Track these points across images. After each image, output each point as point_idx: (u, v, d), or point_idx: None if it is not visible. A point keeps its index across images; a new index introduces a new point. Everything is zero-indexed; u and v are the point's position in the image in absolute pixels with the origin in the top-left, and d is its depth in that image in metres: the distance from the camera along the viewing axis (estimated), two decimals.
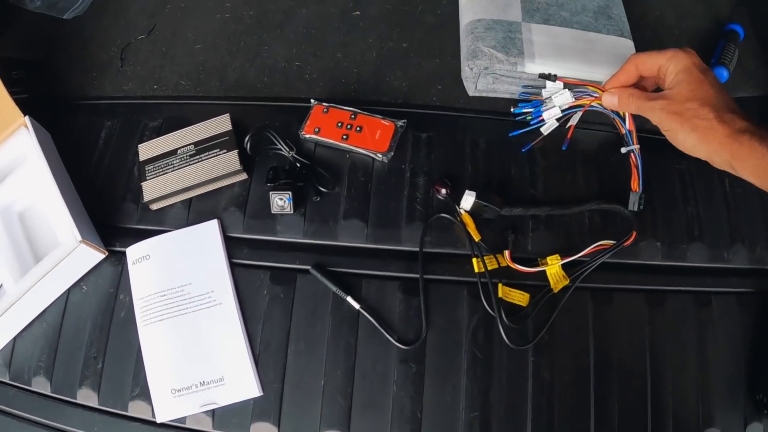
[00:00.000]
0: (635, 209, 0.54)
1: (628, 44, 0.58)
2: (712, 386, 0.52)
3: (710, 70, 0.49)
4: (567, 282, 0.51)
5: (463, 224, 0.53)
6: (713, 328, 0.53)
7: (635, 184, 0.55)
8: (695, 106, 0.46)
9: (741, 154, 0.45)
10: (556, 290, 0.51)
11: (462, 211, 0.53)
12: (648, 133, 0.59)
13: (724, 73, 0.64)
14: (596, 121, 0.60)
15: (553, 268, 0.51)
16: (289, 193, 0.52)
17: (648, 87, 0.53)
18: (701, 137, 0.46)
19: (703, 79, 0.48)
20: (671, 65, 0.49)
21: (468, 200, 0.52)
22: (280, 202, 0.52)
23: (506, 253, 0.51)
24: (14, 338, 0.54)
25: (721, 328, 0.53)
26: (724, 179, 0.59)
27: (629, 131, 0.54)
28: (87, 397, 0.51)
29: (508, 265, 0.52)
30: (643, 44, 0.65)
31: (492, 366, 0.50)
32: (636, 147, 0.54)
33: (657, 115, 0.49)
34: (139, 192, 0.56)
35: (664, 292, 0.54)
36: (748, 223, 0.58)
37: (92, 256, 0.53)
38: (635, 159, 0.55)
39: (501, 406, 0.49)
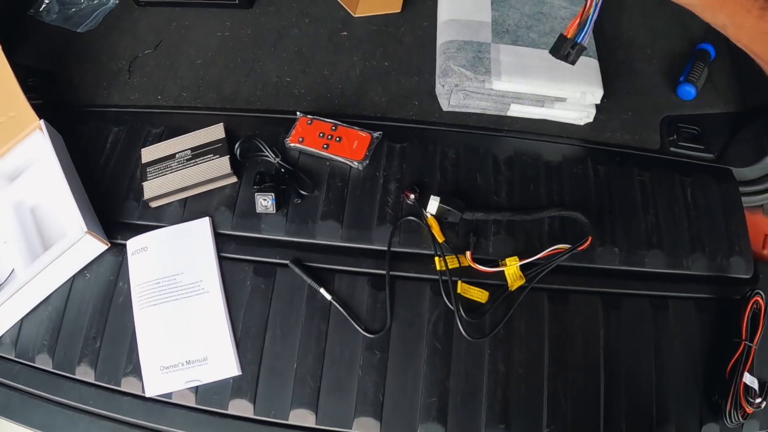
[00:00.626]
0: (564, 57, 0.52)
1: (592, 63, 0.65)
2: (667, 386, 0.57)
3: None
4: (523, 282, 0.57)
5: (429, 227, 0.59)
6: (670, 331, 0.58)
7: (571, 29, 0.50)
8: None
9: (737, 21, 0.48)
10: (512, 288, 0.57)
11: (428, 215, 0.60)
12: (612, 146, 0.66)
13: (691, 90, 0.70)
14: (562, 134, 0.67)
15: (511, 268, 0.58)
16: (273, 194, 0.59)
17: None
18: None
19: None
20: None
21: (433, 204, 0.59)
22: (264, 203, 0.60)
23: (467, 253, 0.58)
24: (21, 320, 0.61)
25: (678, 331, 0.58)
26: (687, 190, 0.65)
27: None
28: (84, 373, 0.58)
29: (469, 265, 0.58)
30: (614, 64, 0.72)
31: (450, 357, 0.56)
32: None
33: None
34: (140, 191, 0.63)
35: (621, 295, 0.59)
36: (709, 233, 0.63)
37: (96, 246, 0.61)
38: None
39: (458, 394, 0.55)
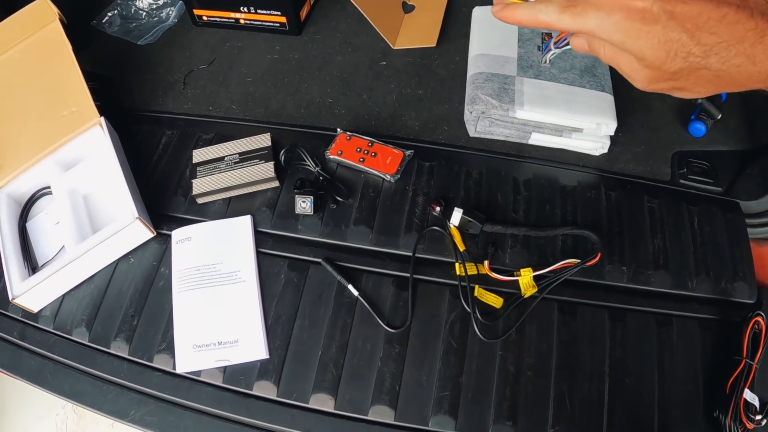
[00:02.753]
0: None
1: (608, 98, 0.78)
2: (668, 398, 0.65)
3: None
4: (535, 290, 0.68)
5: (451, 236, 0.72)
6: (673, 347, 0.67)
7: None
8: None
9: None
10: (525, 296, 0.68)
11: (451, 226, 0.72)
12: (624, 176, 0.79)
13: (701, 128, 0.82)
14: (578, 163, 0.80)
15: (525, 278, 0.69)
16: (311, 197, 0.72)
17: None
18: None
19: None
20: None
21: (456, 216, 0.71)
22: (303, 204, 0.73)
23: (486, 262, 0.69)
24: (63, 295, 0.73)
25: (681, 347, 0.67)
26: (694, 218, 0.76)
27: None
28: (119, 348, 0.69)
29: (486, 273, 0.69)
30: (630, 101, 0.85)
31: (464, 355, 0.66)
32: None
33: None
34: (188, 188, 0.77)
35: (627, 310, 0.69)
36: (715, 258, 0.73)
37: (143, 232, 0.74)
38: None
39: (469, 390, 0.64)
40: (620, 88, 0.85)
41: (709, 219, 0.77)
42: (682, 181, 0.80)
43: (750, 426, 0.63)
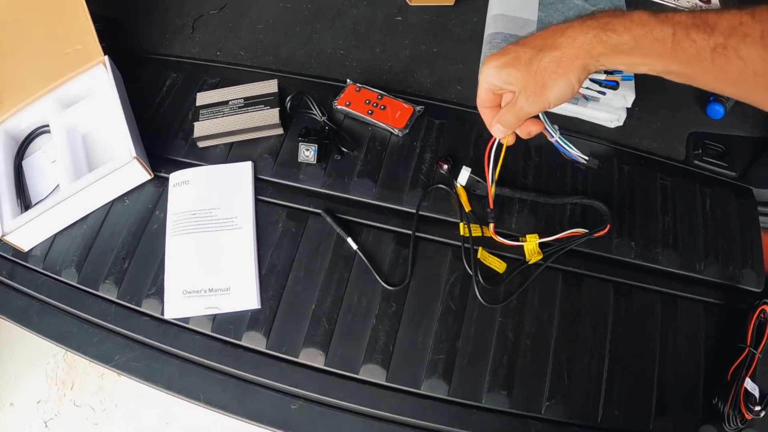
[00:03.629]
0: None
1: None
2: (668, 380, 0.62)
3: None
4: (540, 257, 0.64)
5: (458, 195, 0.68)
6: (676, 328, 0.64)
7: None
8: (514, 69, 0.50)
9: (590, 67, 0.47)
10: (531, 262, 0.65)
11: (458, 185, 0.69)
12: (639, 151, 0.75)
13: (719, 110, 0.78)
14: (593, 134, 0.76)
15: (531, 244, 0.65)
16: (316, 146, 0.68)
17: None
18: (556, 65, 0.48)
19: (515, 54, 0.51)
20: (484, 84, 0.54)
21: (464, 174, 0.67)
22: (307, 152, 0.69)
23: (491, 225, 0.66)
24: (55, 235, 0.70)
25: (684, 329, 0.64)
26: (706, 200, 0.72)
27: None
28: (108, 290, 0.66)
29: (491, 236, 0.66)
30: (649, 78, 0.81)
31: (463, 318, 0.63)
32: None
33: (522, 102, 0.51)
34: (190, 132, 0.73)
35: (633, 286, 0.66)
36: (724, 243, 0.70)
37: (140, 173, 0.70)
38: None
39: (465, 355, 0.61)
40: None
41: (722, 203, 0.73)
42: (696, 162, 0.77)
43: (749, 416, 0.60)
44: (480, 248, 0.65)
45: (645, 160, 0.75)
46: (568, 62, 0.48)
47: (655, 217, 0.70)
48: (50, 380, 1.28)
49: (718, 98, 0.79)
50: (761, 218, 0.75)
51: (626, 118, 0.76)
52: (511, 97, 0.53)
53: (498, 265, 0.65)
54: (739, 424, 0.61)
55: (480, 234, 0.66)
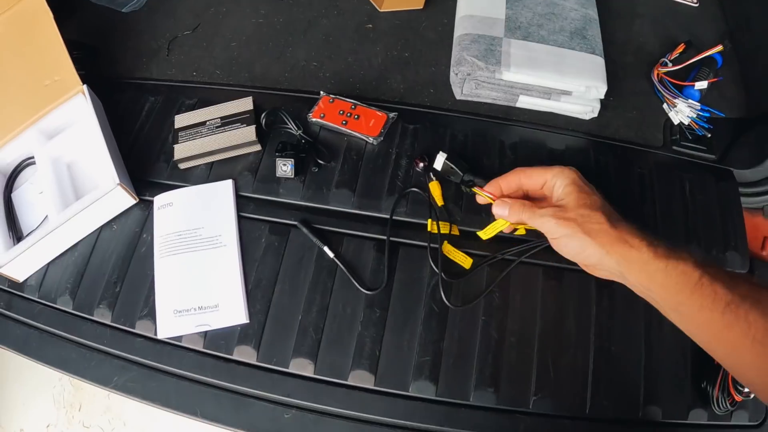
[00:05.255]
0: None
1: (598, 60, 0.76)
2: (656, 368, 0.64)
3: (593, 187, 0.60)
4: (524, 233, 0.67)
5: (430, 192, 0.70)
6: (660, 316, 0.62)
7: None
8: (588, 212, 0.56)
9: (630, 256, 0.53)
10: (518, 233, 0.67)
11: (432, 180, 0.71)
12: (615, 141, 0.77)
13: (695, 93, 0.79)
14: (567, 127, 0.78)
15: (501, 222, 0.65)
16: (292, 160, 0.71)
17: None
18: (594, 240, 0.54)
19: (591, 191, 0.58)
20: (558, 180, 0.59)
21: (439, 160, 0.70)
22: (284, 167, 0.71)
23: (475, 190, 0.66)
24: (48, 264, 0.73)
25: None
26: (685, 185, 0.74)
27: None
28: (102, 315, 0.68)
29: (459, 235, 0.69)
30: (623, 67, 0.83)
31: (446, 320, 0.65)
32: None
33: (549, 223, 0.57)
34: (171, 154, 0.75)
35: None
36: (706, 227, 0.72)
37: (125, 199, 0.73)
38: None
39: (450, 355, 0.64)
40: (612, 53, 0.83)
41: (702, 187, 0.75)
42: (674, 147, 0.78)
43: (738, 398, 0.62)
44: (445, 242, 0.68)
45: (621, 149, 0.77)
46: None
47: (634, 207, 0.72)
48: (58, 404, 1.32)
49: (694, 80, 0.80)
50: (743, 199, 0.76)
51: (602, 109, 0.78)
52: (554, 224, 0.57)
53: (463, 260, 0.68)
54: (729, 407, 0.63)
55: (448, 231, 0.69)
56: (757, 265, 0.72)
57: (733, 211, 0.74)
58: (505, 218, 0.63)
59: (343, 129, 0.75)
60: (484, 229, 0.67)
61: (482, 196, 0.65)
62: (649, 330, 0.66)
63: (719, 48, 0.79)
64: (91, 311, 0.69)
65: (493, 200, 0.64)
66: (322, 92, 0.78)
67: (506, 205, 0.62)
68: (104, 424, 1.29)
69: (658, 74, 0.81)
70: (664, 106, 0.80)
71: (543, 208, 0.59)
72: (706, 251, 0.70)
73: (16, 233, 0.74)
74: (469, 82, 0.76)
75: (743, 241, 0.72)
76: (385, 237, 0.69)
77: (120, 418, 1.28)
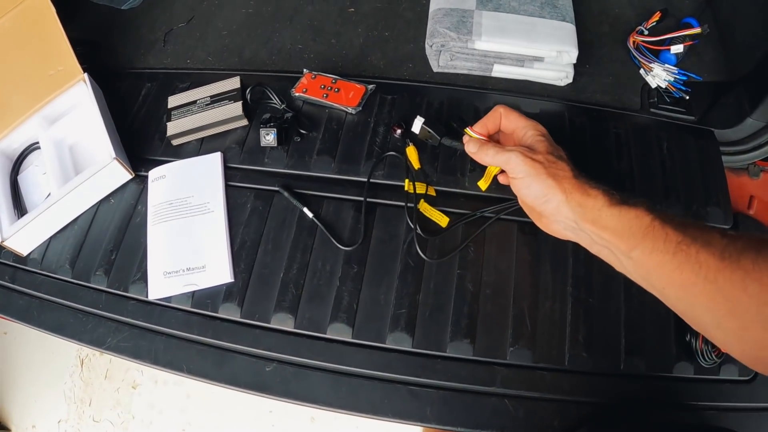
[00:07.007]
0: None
1: (569, 27, 0.79)
2: (637, 321, 0.66)
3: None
4: (498, 171, 0.68)
5: (407, 156, 0.74)
6: None
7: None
8: (554, 159, 0.59)
9: (587, 203, 0.55)
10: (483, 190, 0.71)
11: (409, 144, 0.75)
12: (592, 105, 0.80)
13: (672, 57, 0.82)
14: (543, 93, 0.82)
15: (492, 169, 0.68)
16: (275, 129, 0.76)
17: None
18: (557, 184, 0.56)
19: (559, 148, 0.61)
20: (530, 130, 0.62)
21: (417, 124, 0.74)
22: (267, 137, 0.77)
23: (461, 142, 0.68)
24: (50, 238, 0.79)
25: None
26: (663, 144, 0.76)
27: None
28: (99, 281, 0.74)
29: (435, 195, 0.72)
30: (599, 36, 0.86)
31: (422, 274, 0.68)
32: None
33: (517, 158, 0.58)
34: (165, 133, 0.81)
35: None
36: (686, 184, 0.73)
37: (121, 173, 0.79)
38: None
39: (426, 308, 0.67)
40: (588, 21, 0.87)
41: (680, 145, 0.77)
42: (653, 110, 0.81)
43: (724, 350, 0.62)
44: (422, 201, 0.71)
45: (597, 112, 0.80)
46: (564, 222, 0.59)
47: (610, 165, 0.75)
48: (68, 399, 1.38)
49: (670, 44, 0.82)
50: (727, 158, 0.78)
51: (578, 75, 0.82)
52: (521, 168, 0.59)
53: (440, 219, 0.71)
54: (715, 358, 0.64)
55: (424, 191, 0.73)
56: (741, 219, 0.73)
57: (715, 168, 0.75)
58: (474, 155, 0.65)
59: (325, 102, 0.80)
60: (481, 180, 0.71)
61: (472, 137, 0.67)
62: (629, 282, 0.66)
63: (698, 30, 0.80)
64: (88, 279, 0.75)
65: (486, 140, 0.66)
66: (305, 70, 0.83)
67: (475, 145, 0.64)
68: (114, 418, 1.33)
69: (634, 41, 0.84)
70: (641, 71, 0.83)
71: (511, 147, 0.61)
72: (687, 206, 0.72)
73: (21, 212, 0.80)
74: (444, 54, 0.81)
75: (725, 197, 0.73)
76: (362, 198, 0.73)
77: (129, 411, 1.33)
